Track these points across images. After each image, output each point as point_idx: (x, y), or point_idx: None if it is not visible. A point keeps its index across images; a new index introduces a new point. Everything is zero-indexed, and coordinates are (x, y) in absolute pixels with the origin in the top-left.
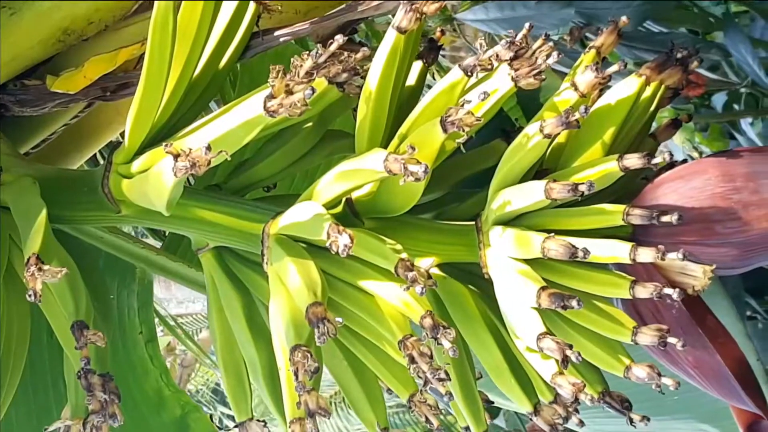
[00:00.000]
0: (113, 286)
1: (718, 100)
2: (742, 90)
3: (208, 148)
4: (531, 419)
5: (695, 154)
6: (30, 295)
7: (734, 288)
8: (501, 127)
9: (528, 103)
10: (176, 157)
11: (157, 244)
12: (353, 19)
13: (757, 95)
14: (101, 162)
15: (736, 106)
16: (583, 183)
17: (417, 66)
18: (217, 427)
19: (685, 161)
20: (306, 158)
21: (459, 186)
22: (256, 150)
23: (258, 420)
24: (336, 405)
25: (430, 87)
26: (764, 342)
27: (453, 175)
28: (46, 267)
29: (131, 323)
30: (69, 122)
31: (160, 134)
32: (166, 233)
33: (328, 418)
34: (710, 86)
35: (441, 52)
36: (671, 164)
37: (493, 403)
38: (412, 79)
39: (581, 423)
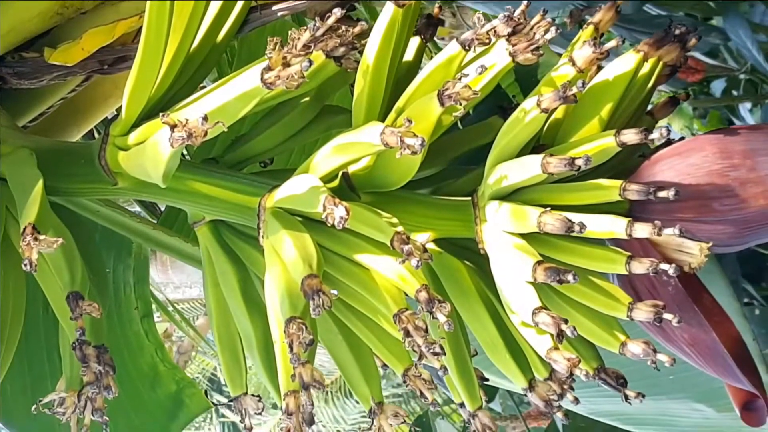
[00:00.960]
0: (109, 260)
1: (717, 86)
2: (741, 76)
3: (205, 118)
4: (527, 400)
5: None
6: (26, 265)
7: (732, 273)
8: (498, 103)
9: (526, 79)
10: (173, 127)
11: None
12: None
13: (756, 81)
14: (98, 136)
15: (735, 92)
16: (579, 157)
17: (415, 41)
18: (215, 415)
19: (682, 138)
20: (303, 133)
21: (456, 162)
22: (254, 124)
23: (252, 395)
24: (332, 394)
25: None
26: (761, 327)
27: (450, 150)
28: (42, 236)
29: (127, 298)
30: (67, 95)
31: (157, 107)
32: (163, 209)
33: (323, 391)
34: (709, 72)
35: (441, 41)
36: (668, 141)
37: (488, 380)
38: (409, 55)
39: (576, 401)
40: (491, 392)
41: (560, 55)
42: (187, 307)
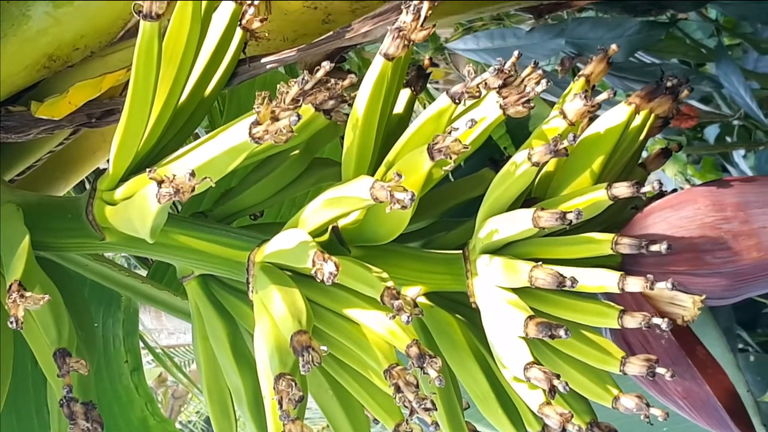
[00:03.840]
0: (98, 314)
1: (711, 132)
2: (735, 122)
3: (192, 174)
4: None
5: (687, 187)
6: (11, 322)
7: (726, 320)
8: (489, 155)
9: (517, 131)
10: (160, 183)
11: (143, 271)
12: (341, 46)
13: (749, 127)
14: (88, 188)
15: (728, 139)
16: (571, 212)
17: (405, 94)
18: None
19: (675, 191)
20: (293, 186)
21: (447, 215)
22: (243, 177)
23: None
24: None
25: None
26: (755, 375)
27: (440, 203)
28: (28, 294)
29: (116, 352)
30: (54, 149)
31: (145, 161)
32: (152, 261)
33: None
34: (702, 118)
35: (435, 86)
36: (661, 193)
37: None
38: (399, 107)
39: None
40: None
41: (552, 103)
42: (181, 352)
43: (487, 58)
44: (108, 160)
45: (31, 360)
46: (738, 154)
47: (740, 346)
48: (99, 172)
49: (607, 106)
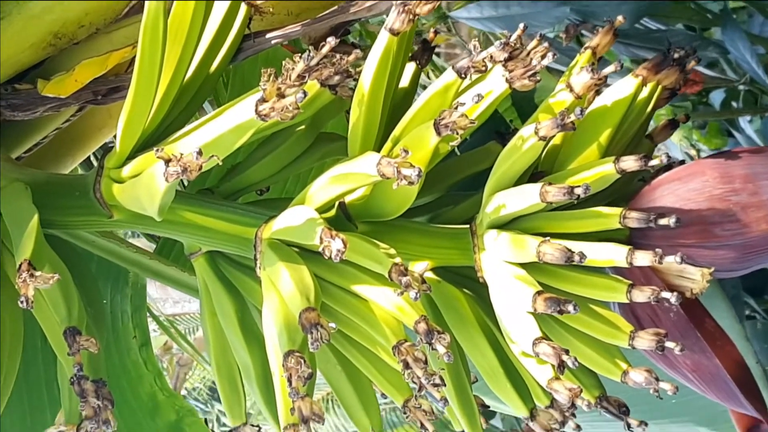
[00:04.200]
0: (106, 289)
1: (716, 97)
2: (740, 87)
3: (199, 152)
4: (526, 424)
5: (693, 152)
6: (22, 302)
7: (733, 288)
8: (495, 129)
9: (523, 104)
10: (167, 161)
11: (151, 245)
12: (346, 20)
13: (755, 92)
14: (95, 165)
15: (734, 104)
16: (578, 186)
17: (410, 67)
18: (216, 424)
19: (683, 162)
20: (299, 161)
21: (453, 188)
22: (249, 153)
23: (252, 425)
24: (333, 402)
25: (424, 87)
26: (763, 342)
27: (447, 177)
28: (38, 273)
29: (125, 328)
30: (61, 126)
31: (152, 138)
32: (159, 236)
33: (322, 424)
34: (708, 83)
35: (436, 50)
36: (668, 165)
37: (488, 407)
38: (405, 81)
39: (578, 428)
40: (491, 411)
41: (557, 71)
42: (186, 319)
43: (491, 26)
44: (114, 137)
45: (41, 337)
46: (744, 120)
47: (747, 312)
48: (106, 149)
49: (614, 77)
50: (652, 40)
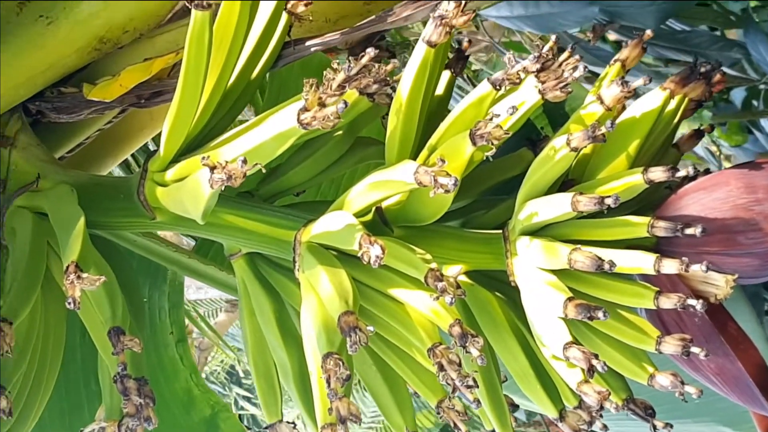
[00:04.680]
0: (145, 287)
1: (737, 95)
2: (762, 86)
3: (244, 161)
4: (555, 425)
5: (713, 148)
6: (69, 303)
7: (753, 285)
8: (527, 135)
9: (553, 111)
10: (213, 169)
11: (189, 241)
12: (383, 29)
13: None
14: (134, 167)
15: (755, 102)
16: (609, 196)
17: (445, 75)
18: (234, 407)
19: (708, 171)
20: (336, 165)
21: (485, 194)
22: (287, 158)
23: (287, 422)
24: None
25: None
26: None
27: (480, 183)
28: (84, 275)
29: (162, 324)
30: (103, 127)
31: (195, 142)
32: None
33: (359, 425)
34: (729, 82)
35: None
36: (694, 175)
37: (518, 407)
38: (440, 89)
39: (605, 428)
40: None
41: (588, 72)
42: (206, 304)
43: (520, 25)
44: (154, 139)
45: (80, 333)
46: (765, 120)
47: (766, 308)
48: (148, 154)
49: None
50: (676, 41)
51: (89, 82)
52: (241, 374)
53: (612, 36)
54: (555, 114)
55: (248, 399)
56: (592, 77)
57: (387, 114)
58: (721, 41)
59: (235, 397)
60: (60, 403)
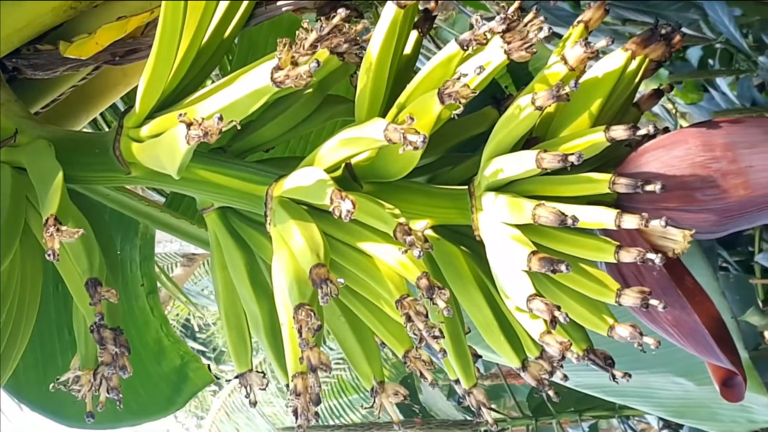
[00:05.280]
0: (117, 239)
1: (694, 53)
2: (717, 45)
3: (221, 118)
4: (518, 374)
5: (669, 106)
6: (49, 255)
7: (707, 240)
8: (492, 94)
9: (517, 70)
10: (189, 125)
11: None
12: None
13: (731, 51)
14: (101, 124)
15: (710, 61)
16: (572, 153)
17: (413, 35)
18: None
19: (666, 130)
20: (307, 122)
21: (451, 151)
22: (258, 115)
23: (257, 371)
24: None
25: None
26: (734, 294)
27: (446, 140)
28: (63, 228)
29: (133, 276)
30: (77, 84)
31: (169, 99)
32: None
33: (329, 373)
34: (686, 41)
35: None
36: (654, 134)
37: (481, 357)
38: (408, 48)
39: (565, 378)
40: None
41: (553, 35)
42: (163, 258)
43: None
44: (123, 98)
45: (53, 284)
46: (720, 78)
47: (721, 263)
48: (123, 112)
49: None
50: (636, 1)
51: (65, 39)
52: (196, 328)
53: None
54: (519, 73)
55: (203, 353)
56: (553, 37)
57: (356, 72)
58: (679, 2)
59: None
60: (34, 353)
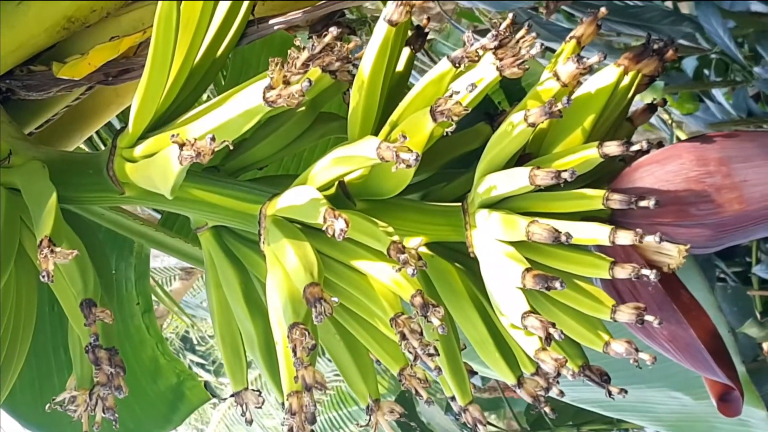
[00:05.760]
0: (111, 258)
1: (689, 63)
2: (713, 56)
3: (213, 138)
4: (514, 391)
5: (665, 116)
6: (43, 276)
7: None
8: (484, 110)
9: (510, 86)
10: (182, 146)
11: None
12: (344, 7)
13: (726, 61)
14: (96, 141)
15: (706, 71)
16: (565, 170)
17: (405, 52)
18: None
19: (660, 144)
20: (299, 140)
21: (444, 167)
22: (251, 133)
23: (253, 390)
24: None
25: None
26: (732, 305)
27: (439, 157)
28: (58, 249)
29: (128, 295)
30: (71, 104)
31: (162, 119)
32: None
33: (324, 392)
34: (681, 52)
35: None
36: (647, 149)
37: (476, 373)
38: (400, 66)
39: (561, 394)
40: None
41: (546, 50)
42: (161, 271)
43: (476, 2)
44: (118, 116)
45: (49, 305)
46: (716, 89)
47: (718, 274)
48: (117, 132)
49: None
50: (628, 16)
51: (58, 60)
52: (195, 341)
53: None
54: (512, 89)
55: (202, 366)
56: (546, 52)
57: (348, 90)
58: (673, 15)
59: (189, 364)
60: (30, 373)
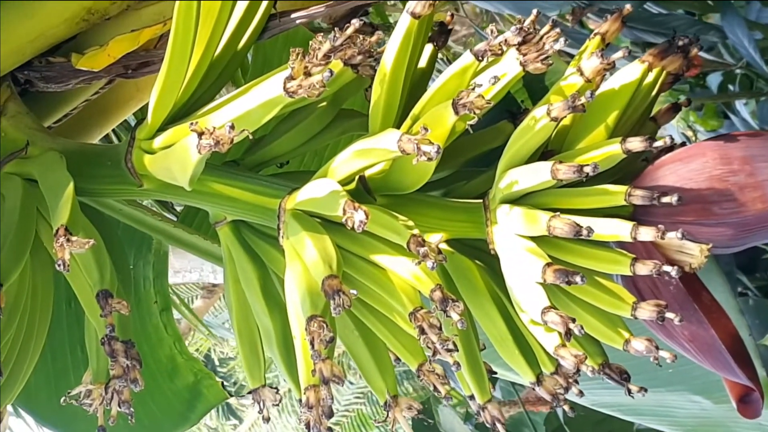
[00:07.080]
0: (130, 255)
1: (714, 80)
2: (737, 71)
3: (232, 127)
4: (533, 388)
5: (689, 133)
6: (59, 265)
7: (727, 264)
8: (507, 108)
9: (533, 85)
10: (201, 134)
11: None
12: (367, 2)
13: (751, 76)
14: (114, 137)
15: (730, 87)
16: (587, 165)
17: (428, 48)
18: None
19: (684, 144)
20: (320, 136)
21: (466, 165)
22: (272, 128)
23: (270, 386)
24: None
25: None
26: (754, 318)
27: (461, 154)
28: (74, 238)
29: (146, 293)
30: (90, 97)
31: (181, 112)
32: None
33: (341, 385)
34: (706, 66)
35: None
36: (671, 147)
37: (496, 373)
38: (423, 62)
39: (581, 393)
40: (492, 380)
41: (566, 55)
42: (184, 290)
43: (500, 7)
44: (140, 110)
45: (66, 302)
46: (739, 102)
47: (740, 290)
48: (136, 124)
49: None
50: (654, 24)
51: (78, 52)
52: (216, 362)
53: (591, 24)
54: (535, 88)
55: (223, 386)
56: (571, 60)
57: (370, 86)
58: (698, 24)
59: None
60: (46, 369)
